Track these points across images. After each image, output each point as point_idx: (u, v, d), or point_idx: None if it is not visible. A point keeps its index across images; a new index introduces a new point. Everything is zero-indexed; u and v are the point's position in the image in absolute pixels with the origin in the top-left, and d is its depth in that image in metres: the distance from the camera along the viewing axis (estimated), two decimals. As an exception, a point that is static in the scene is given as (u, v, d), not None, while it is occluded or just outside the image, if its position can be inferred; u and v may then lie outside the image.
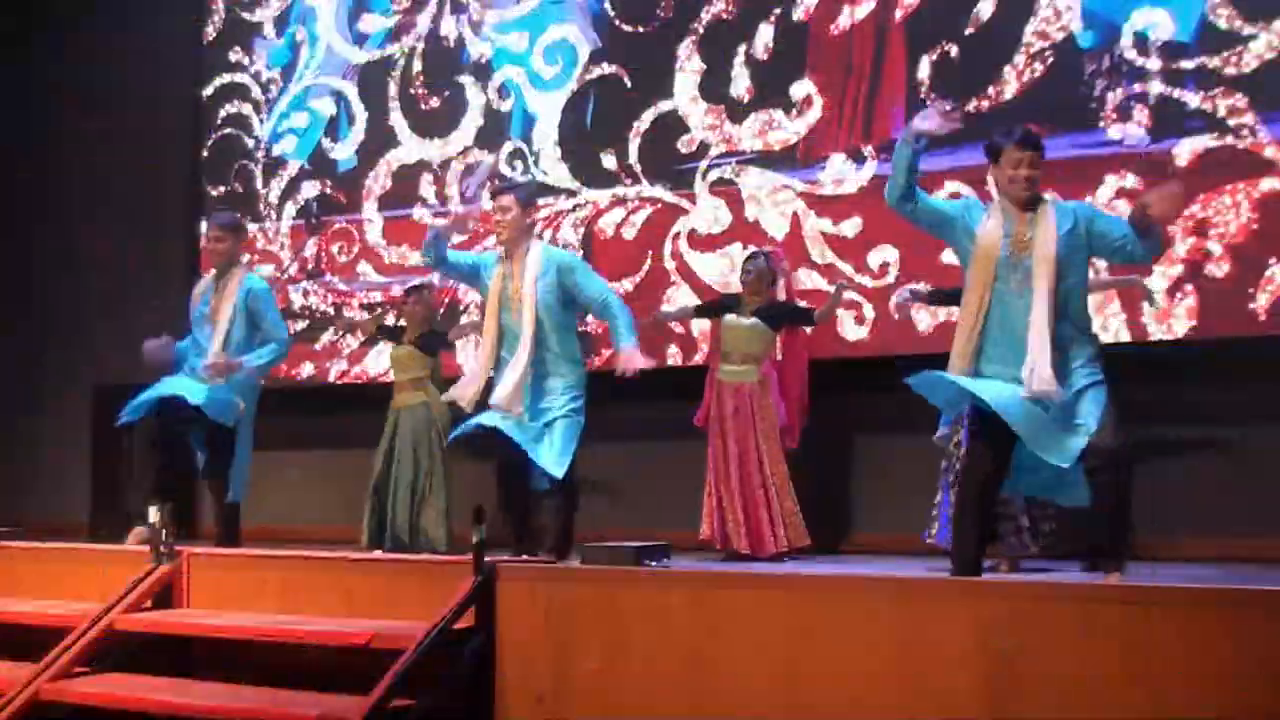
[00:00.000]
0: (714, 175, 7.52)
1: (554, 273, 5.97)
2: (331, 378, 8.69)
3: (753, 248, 7.00)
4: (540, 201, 7.39)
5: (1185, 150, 6.37)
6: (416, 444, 7.18)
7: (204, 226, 9.19)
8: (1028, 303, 4.81)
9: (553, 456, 5.84)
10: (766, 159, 7.39)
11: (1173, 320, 6.36)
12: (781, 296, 6.77)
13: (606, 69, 7.91)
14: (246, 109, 9.20)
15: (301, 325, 8.76)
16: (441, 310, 8.01)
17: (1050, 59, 6.69)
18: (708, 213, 7.52)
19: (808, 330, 6.84)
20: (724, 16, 7.55)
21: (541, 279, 5.95)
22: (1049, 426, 4.76)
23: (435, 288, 7.63)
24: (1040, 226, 4.83)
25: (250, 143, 9.17)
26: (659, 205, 7.67)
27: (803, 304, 6.83)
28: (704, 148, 7.56)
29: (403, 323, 7.58)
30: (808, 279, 7.16)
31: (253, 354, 6.61)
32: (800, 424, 6.62)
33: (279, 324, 6.83)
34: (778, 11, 7.39)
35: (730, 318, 6.61)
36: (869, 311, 7.05)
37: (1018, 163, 4.88)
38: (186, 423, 6.59)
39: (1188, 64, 6.38)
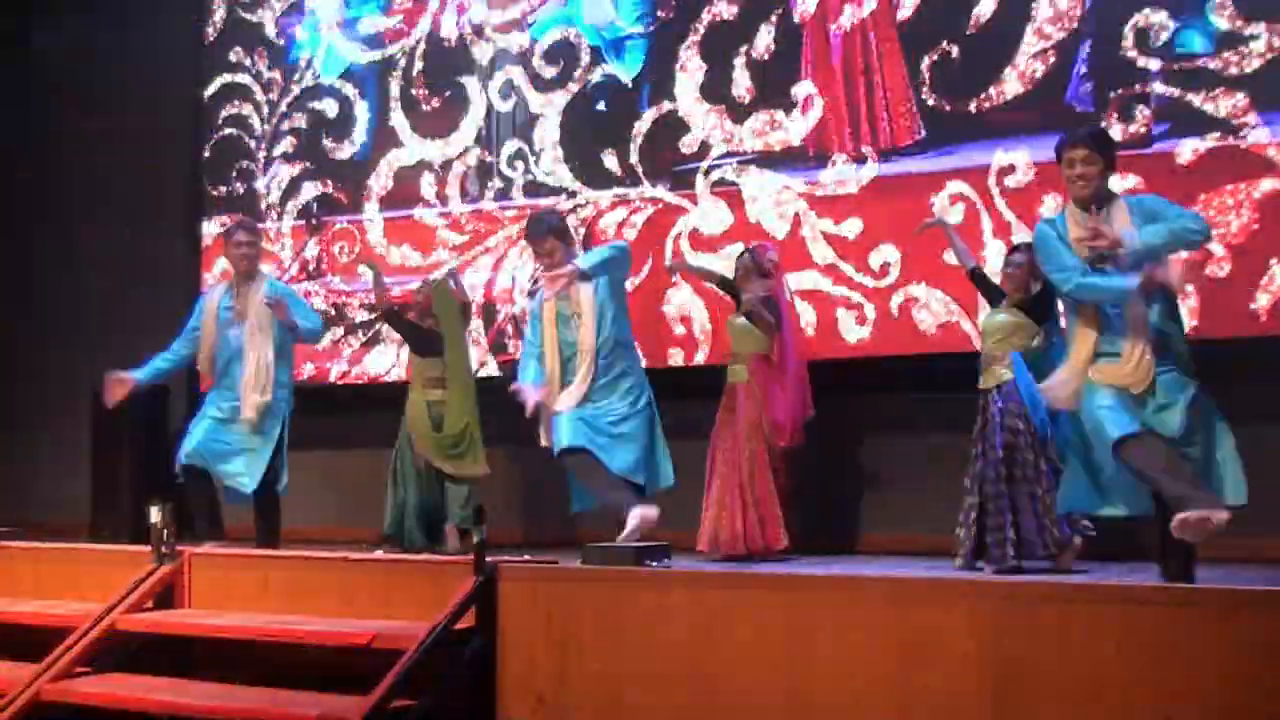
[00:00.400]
0: (715, 176, 7.52)
1: (607, 278, 6.30)
2: (332, 378, 8.69)
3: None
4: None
5: (1187, 150, 6.37)
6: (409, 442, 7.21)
7: (205, 227, 9.21)
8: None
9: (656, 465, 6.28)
10: (768, 159, 7.39)
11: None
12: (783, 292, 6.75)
13: (608, 69, 7.91)
14: (247, 109, 9.20)
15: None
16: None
17: (1052, 59, 6.68)
18: (709, 213, 7.51)
19: (811, 323, 6.84)
20: (725, 17, 7.54)
21: (599, 291, 6.26)
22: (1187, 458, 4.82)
23: (432, 284, 7.58)
24: (1115, 221, 4.92)
25: (251, 143, 9.17)
26: (660, 205, 7.67)
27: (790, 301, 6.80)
28: (705, 148, 7.56)
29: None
30: (809, 279, 7.16)
31: (300, 314, 6.97)
32: (794, 422, 6.49)
33: (311, 311, 7.28)
34: (779, 12, 7.38)
35: (731, 316, 6.61)
36: (870, 312, 7.04)
37: (1070, 163, 5.04)
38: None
39: (1189, 64, 6.38)
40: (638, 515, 5.91)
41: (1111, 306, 4.92)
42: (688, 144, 7.61)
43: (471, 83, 8.37)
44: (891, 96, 7.07)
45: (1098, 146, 5.05)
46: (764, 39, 7.42)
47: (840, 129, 7.20)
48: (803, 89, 7.31)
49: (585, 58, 7.98)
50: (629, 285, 7.51)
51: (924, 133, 6.98)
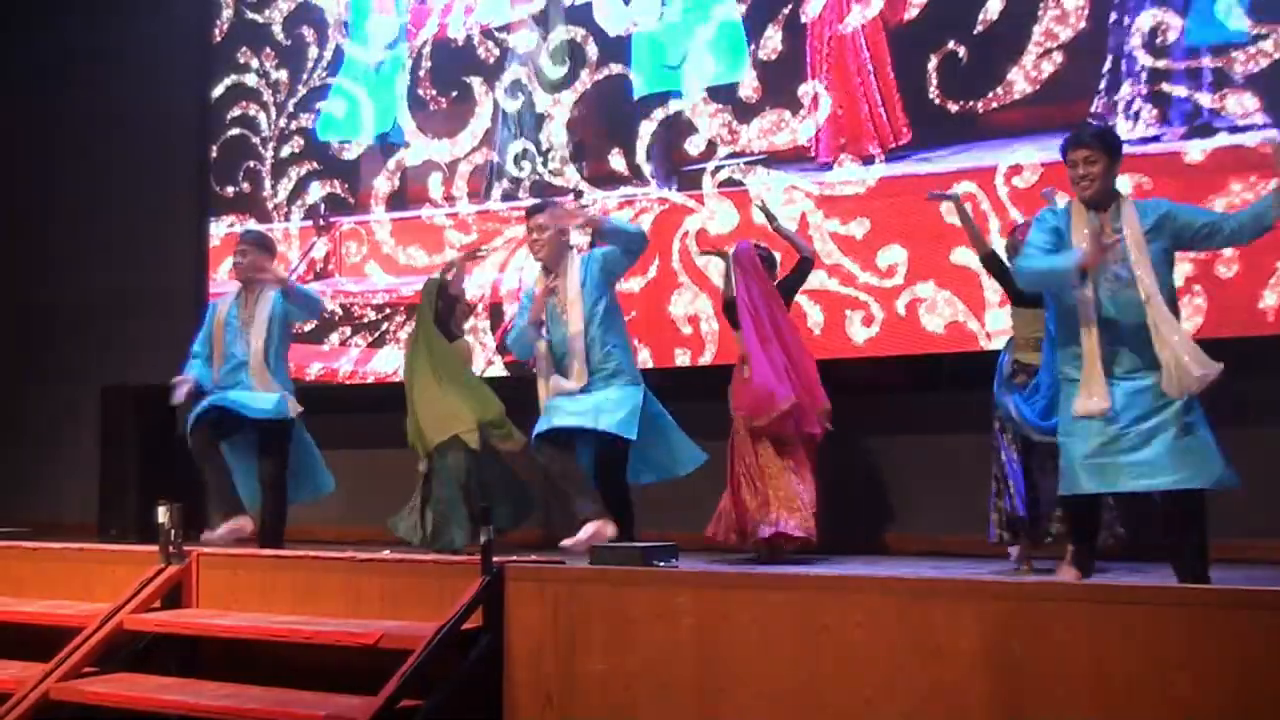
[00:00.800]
0: (722, 176, 7.52)
1: (596, 269, 6.26)
2: (340, 378, 8.70)
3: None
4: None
5: (1195, 150, 6.36)
6: None
7: (212, 227, 9.23)
8: (1125, 300, 4.88)
9: (616, 417, 6.06)
10: (774, 159, 7.39)
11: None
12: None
13: (615, 69, 7.91)
14: (254, 110, 9.21)
15: (310, 326, 8.76)
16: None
17: (1059, 59, 6.68)
18: (716, 213, 7.51)
19: (818, 323, 6.82)
20: (733, 17, 7.54)
21: (587, 283, 6.24)
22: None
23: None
24: (1123, 220, 4.93)
25: (258, 144, 9.18)
26: (667, 206, 7.67)
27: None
28: (712, 148, 7.56)
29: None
30: (816, 279, 7.15)
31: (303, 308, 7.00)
32: (755, 402, 6.26)
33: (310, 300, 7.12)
34: (785, 12, 7.38)
35: None
36: (877, 312, 7.04)
37: (1073, 164, 5.04)
38: (239, 428, 6.80)
39: (1197, 64, 6.37)
40: (593, 527, 5.93)
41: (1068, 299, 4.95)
42: (695, 144, 7.61)
43: (478, 83, 8.38)
44: (898, 96, 7.06)
45: (1101, 146, 5.02)
46: (771, 39, 7.42)
47: (847, 129, 7.20)
48: (809, 89, 7.31)
49: (593, 57, 7.99)
50: (635, 284, 7.56)
51: (930, 133, 6.98)
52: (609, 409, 6.05)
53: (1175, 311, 4.96)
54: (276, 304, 6.86)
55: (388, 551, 6.52)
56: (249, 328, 6.85)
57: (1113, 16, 6.57)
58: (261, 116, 9.18)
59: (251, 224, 8.95)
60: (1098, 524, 5.33)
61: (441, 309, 7.14)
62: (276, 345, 6.89)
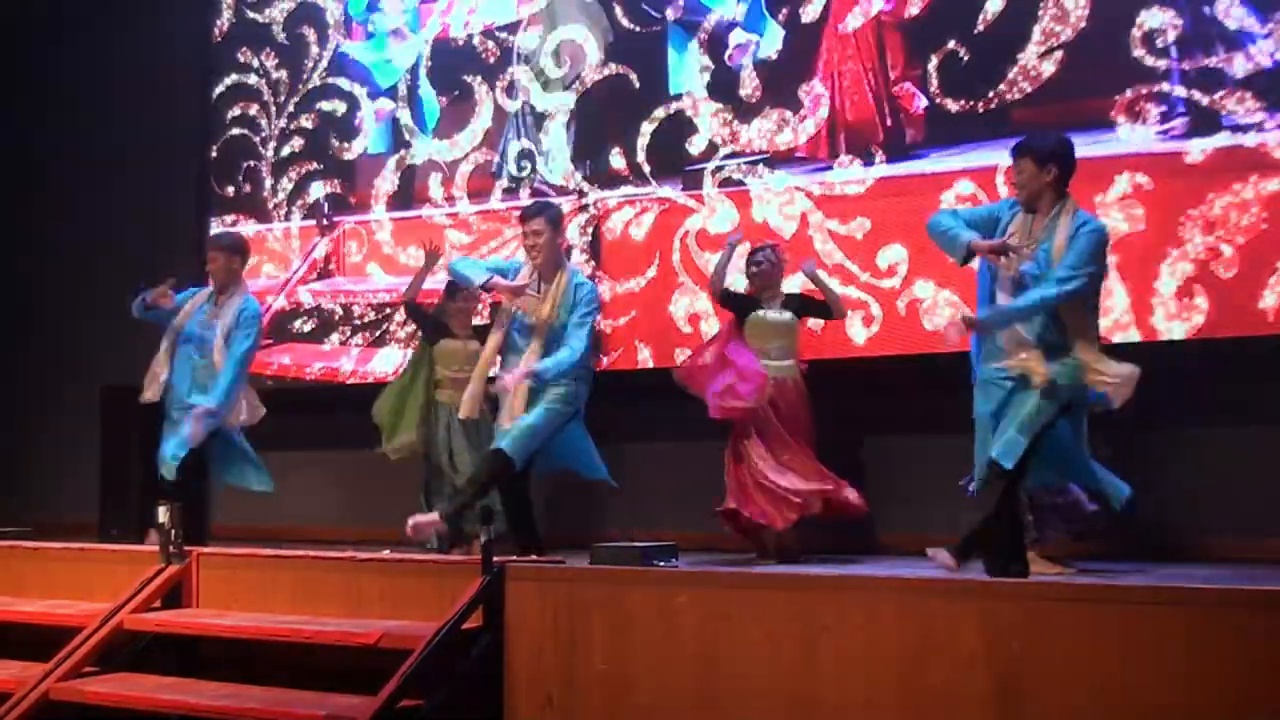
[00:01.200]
0: (722, 175, 7.51)
1: (573, 294, 6.33)
2: (340, 377, 8.70)
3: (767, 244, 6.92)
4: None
5: (1195, 149, 6.36)
6: None
7: (213, 227, 9.22)
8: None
9: (513, 432, 6.14)
10: (775, 159, 7.38)
11: (1182, 320, 6.34)
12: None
13: (615, 69, 7.91)
14: (255, 109, 9.21)
15: (311, 326, 8.77)
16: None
17: (1059, 58, 6.67)
18: (716, 212, 7.51)
19: (818, 323, 6.85)
20: (733, 16, 7.54)
21: (562, 310, 6.32)
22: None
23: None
24: (1058, 228, 5.17)
25: (259, 143, 9.18)
26: (667, 205, 7.66)
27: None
28: (712, 148, 7.56)
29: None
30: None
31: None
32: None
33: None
34: (786, 11, 7.38)
35: (763, 312, 6.56)
36: (876, 310, 7.04)
37: (1014, 174, 5.36)
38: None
39: (1197, 63, 6.37)
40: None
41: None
42: (695, 144, 7.60)
43: (479, 82, 8.38)
44: (899, 96, 7.06)
45: (1026, 155, 5.26)
46: (772, 38, 7.41)
47: (848, 128, 7.20)
48: (810, 89, 7.30)
49: (593, 57, 7.98)
50: (638, 284, 7.55)
51: (931, 132, 6.97)
52: (514, 431, 6.15)
53: (1083, 322, 5.18)
54: (243, 311, 6.98)
55: (388, 551, 6.53)
56: (213, 325, 6.96)
57: (1113, 16, 6.56)
58: (262, 116, 9.17)
59: (251, 224, 8.98)
60: (1014, 522, 5.36)
61: (440, 309, 7.21)
62: (239, 356, 6.96)
